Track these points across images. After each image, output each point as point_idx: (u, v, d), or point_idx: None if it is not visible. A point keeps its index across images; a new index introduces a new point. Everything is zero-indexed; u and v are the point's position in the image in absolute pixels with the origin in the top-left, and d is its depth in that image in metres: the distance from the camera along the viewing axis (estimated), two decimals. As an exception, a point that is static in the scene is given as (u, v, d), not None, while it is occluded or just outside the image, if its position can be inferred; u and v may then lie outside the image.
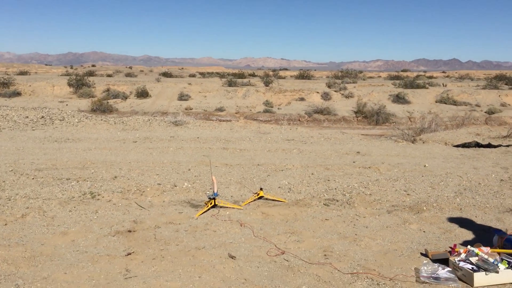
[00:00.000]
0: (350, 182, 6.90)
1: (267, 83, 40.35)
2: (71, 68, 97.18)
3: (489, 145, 11.00)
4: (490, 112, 34.37)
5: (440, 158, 9.30)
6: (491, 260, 3.81)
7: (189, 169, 7.70)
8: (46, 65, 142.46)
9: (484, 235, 4.73)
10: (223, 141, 11.05)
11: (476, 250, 3.98)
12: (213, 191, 5.60)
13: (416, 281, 3.77)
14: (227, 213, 5.47)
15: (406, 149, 10.49)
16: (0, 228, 4.86)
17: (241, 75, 55.85)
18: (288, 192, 6.41)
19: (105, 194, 6.06)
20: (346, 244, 4.56)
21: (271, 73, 66.17)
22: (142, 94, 34.82)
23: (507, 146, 10.83)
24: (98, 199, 5.87)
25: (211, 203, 5.54)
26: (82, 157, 8.69)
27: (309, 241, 4.62)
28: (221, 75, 62.42)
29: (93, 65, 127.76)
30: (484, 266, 3.76)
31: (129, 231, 4.79)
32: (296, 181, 6.94)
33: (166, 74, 61.13)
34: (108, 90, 36.27)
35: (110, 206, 5.64)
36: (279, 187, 6.63)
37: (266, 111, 31.32)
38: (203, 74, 72.53)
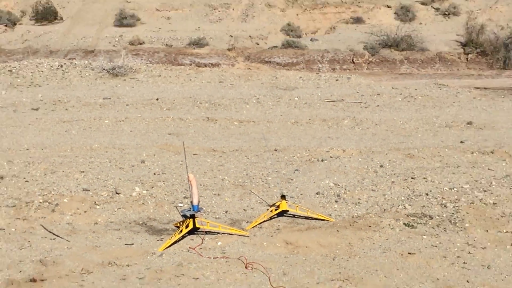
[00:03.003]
0: (455, 181, 7.11)
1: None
2: None
3: None
4: None
5: None
6: None
7: (143, 161, 7.99)
8: None
9: None
10: (206, 106, 11.42)
11: None
12: (192, 202, 5.76)
13: None
14: (219, 243, 5.70)
15: None
16: None
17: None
18: (336, 202, 6.64)
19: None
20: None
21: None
22: (45, 15, 35.14)
23: None
24: None
25: (186, 225, 5.71)
26: None
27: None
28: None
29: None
30: None
31: (33, 280, 4.94)
32: (351, 181, 7.19)
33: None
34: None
35: (-7, 234, 5.83)
36: (317, 193, 6.87)
37: (288, 44, 31.49)
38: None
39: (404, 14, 36.12)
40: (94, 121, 10.12)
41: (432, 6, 37.85)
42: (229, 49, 30.44)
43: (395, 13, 36.63)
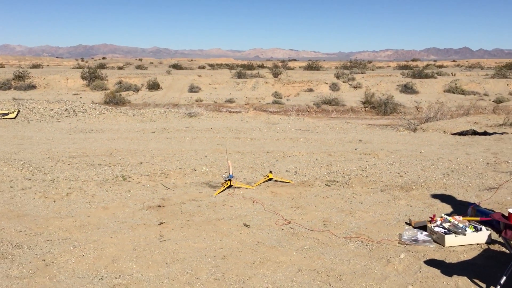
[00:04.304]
0: (350, 166, 7.71)
1: (276, 75, 41.03)
2: (82, 60, 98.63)
3: (484, 133, 11.73)
4: (498, 101, 34.77)
5: (436, 145, 10.07)
6: (461, 225, 4.63)
7: (206, 156, 8.56)
8: (57, 57, 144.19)
9: (462, 208, 5.54)
10: (234, 131, 11.87)
11: (449, 218, 4.80)
12: (229, 173, 6.45)
13: (399, 243, 4.60)
14: (241, 192, 6.32)
15: (406, 137, 11.26)
16: (50, 204, 5.76)
17: (250, 67, 56.52)
18: (294, 175, 7.25)
19: (135, 177, 6.95)
20: (343, 216, 5.39)
21: (280, 64, 66.74)
22: (154, 86, 35.78)
23: (501, 133, 11.55)
24: (129, 181, 6.76)
25: (227, 184, 6.39)
26: (108, 146, 9.60)
27: (311, 214, 5.47)
28: (230, 67, 63.19)
29: (104, 58, 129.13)
30: (454, 230, 4.59)
31: (159, 206, 5.68)
32: (302, 166, 7.77)
33: (176, 66, 62.04)
34: (120, 82, 37.29)
35: (140, 186, 6.53)
36: (286, 171, 7.46)
37: (275, 102, 32.05)
38: (212, 66, 73.34)
39: (334, 87, 36.52)
40: (181, 138, 10.53)
41: (348, 83, 38.21)
42: (245, 104, 30.94)
43: (329, 86, 37.01)
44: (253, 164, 7.97)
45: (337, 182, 6.82)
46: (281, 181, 6.80)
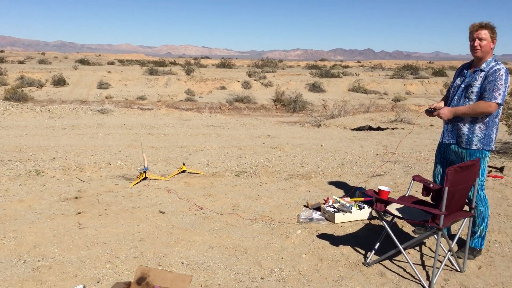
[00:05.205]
0: (258, 158, 8.41)
1: (188, 72, 41.18)
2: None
3: (378, 128, 13.10)
4: (396, 100, 37.83)
5: (336, 139, 11.15)
6: (348, 205, 5.47)
7: (120, 151, 8.80)
8: None
9: (351, 192, 6.44)
10: (148, 128, 12.10)
11: (339, 199, 5.64)
12: (144, 166, 6.82)
13: (297, 222, 5.33)
14: (156, 183, 6.73)
15: (310, 132, 12.27)
16: (-39, 199, 5.78)
17: (162, 63, 55.99)
18: (206, 167, 7.78)
19: (49, 171, 7.08)
20: (250, 201, 6.04)
21: (192, 61, 66.77)
22: (59, 82, 34.32)
23: (392, 128, 12.99)
24: (43, 176, 6.89)
25: (142, 176, 6.76)
26: (17, 142, 9.45)
27: (222, 200, 6.05)
28: (141, 63, 62.03)
29: (1, 51, 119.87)
30: (342, 209, 5.42)
31: (76, 197, 5.93)
32: (213, 159, 8.34)
33: (84, 62, 59.67)
34: (22, 77, 35.28)
35: (55, 180, 6.69)
36: (199, 163, 7.97)
37: (188, 99, 32.28)
38: (122, 62, 71.36)
39: (246, 85, 37.38)
40: (94, 134, 10.57)
41: (260, 82, 39.24)
42: (157, 101, 30.82)
43: (242, 84, 37.82)
44: (167, 157, 8.38)
45: (246, 172, 7.47)
46: (194, 173, 7.30)
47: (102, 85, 34.22)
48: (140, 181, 6.72)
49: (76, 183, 6.62)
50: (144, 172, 6.79)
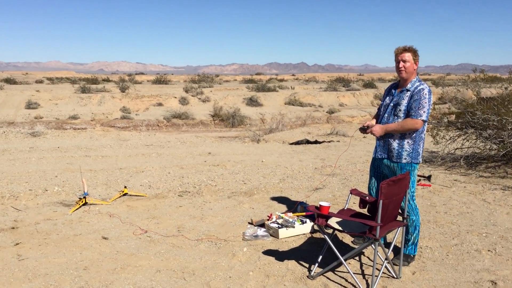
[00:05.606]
0: (200, 177, 8.47)
1: (123, 89, 40.36)
2: None
3: (315, 142, 13.57)
4: (331, 112, 39.09)
5: (276, 154, 11.42)
6: (291, 220, 5.67)
7: (56, 176, 8.54)
8: None
9: (293, 206, 6.66)
10: (84, 149, 11.81)
11: (282, 215, 5.83)
12: (84, 190, 6.68)
13: (242, 239, 5.45)
14: (97, 208, 6.60)
15: (250, 148, 12.48)
16: None
17: (95, 81, 54.39)
18: (149, 188, 7.74)
19: (-20, 201, 6.74)
20: (195, 222, 6.09)
21: (126, 77, 65.49)
22: (-17, 102, 32.52)
23: (329, 142, 13.51)
24: (-26, 206, 6.55)
25: (82, 201, 6.61)
26: None
27: (166, 222, 6.06)
28: (72, 81, 59.94)
29: None
30: (286, 224, 5.60)
31: (12, 228, 5.71)
32: (155, 180, 8.30)
33: (9, 81, 56.69)
34: None
35: (-12, 211, 6.39)
36: (140, 185, 7.91)
37: (123, 117, 31.62)
38: (51, 80, 68.59)
39: (183, 101, 37.22)
40: (26, 159, 10.15)
41: (197, 97, 39.20)
42: (91, 120, 30.01)
43: (179, 100, 37.61)
44: (107, 180, 8.23)
45: (189, 192, 7.51)
46: (136, 195, 7.23)
47: (30, 105, 32.75)
48: (80, 206, 6.58)
49: (12, 213, 6.36)
50: (84, 197, 6.65)
